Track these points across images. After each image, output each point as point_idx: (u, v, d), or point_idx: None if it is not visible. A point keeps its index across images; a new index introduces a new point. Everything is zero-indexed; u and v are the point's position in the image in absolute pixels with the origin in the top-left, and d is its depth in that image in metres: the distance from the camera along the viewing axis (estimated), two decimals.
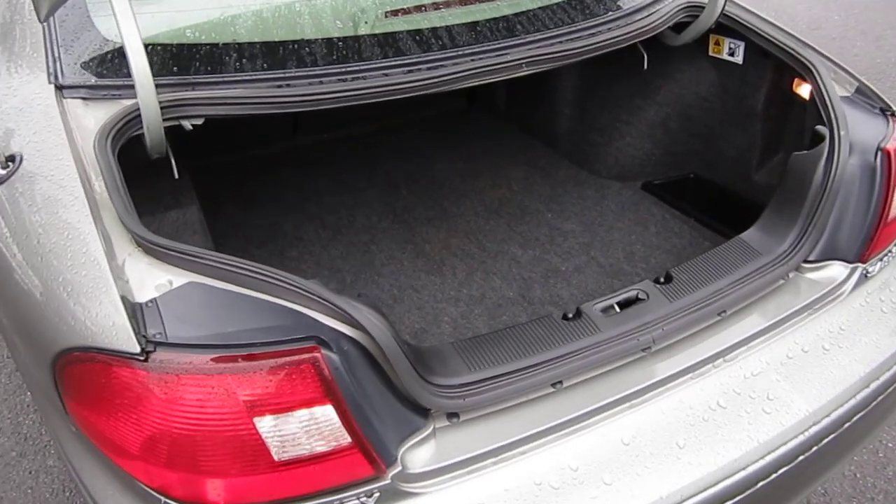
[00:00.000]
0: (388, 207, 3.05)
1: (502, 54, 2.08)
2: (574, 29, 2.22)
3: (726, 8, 2.47)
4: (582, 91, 3.23)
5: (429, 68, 2.00)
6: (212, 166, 3.31)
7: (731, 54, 2.70)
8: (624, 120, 3.07)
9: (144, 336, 1.37)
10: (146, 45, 2.00)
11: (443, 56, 2.03)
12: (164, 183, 2.43)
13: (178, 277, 1.50)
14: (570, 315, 1.84)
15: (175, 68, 1.94)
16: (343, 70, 1.96)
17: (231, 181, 3.24)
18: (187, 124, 1.92)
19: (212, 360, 1.36)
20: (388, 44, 2.02)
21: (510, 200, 3.07)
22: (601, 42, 2.22)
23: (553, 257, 2.73)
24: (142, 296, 1.46)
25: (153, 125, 1.79)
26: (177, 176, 2.19)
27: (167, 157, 2.88)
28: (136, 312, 1.41)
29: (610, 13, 2.33)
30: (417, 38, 2.05)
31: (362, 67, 1.97)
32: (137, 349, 1.35)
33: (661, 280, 1.95)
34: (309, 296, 1.44)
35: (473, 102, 3.93)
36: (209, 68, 1.94)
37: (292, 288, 1.45)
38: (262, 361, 1.37)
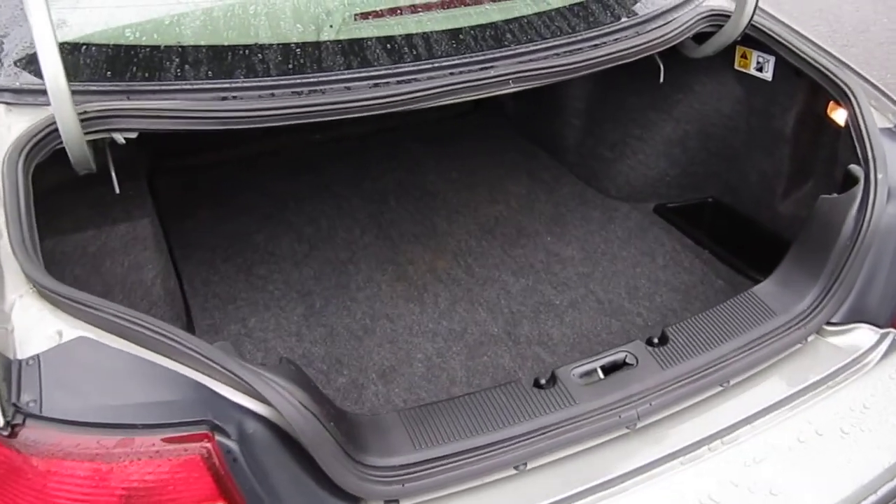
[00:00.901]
0: (372, 220, 2.80)
1: (486, 68, 1.81)
2: (574, 40, 1.94)
3: (755, 18, 2.17)
4: (593, 100, 2.93)
5: (399, 82, 1.74)
6: (187, 166, 3.09)
7: (760, 69, 2.39)
8: (637, 135, 2.78)
9: (15, 405, 1.15)
10: (79, 45, 1.78)
11: (416, 69, 1.76)
12: (116, 194, 2.21)
13: (70, 329, 1.27)
14: (543, 381, 1.58)
15: (109, 73, 1.70)
16: (298, 82, 1.71)
17: (206, 183, 3.01)
18: (119, 138, 1.69)
19: (87, 442, 1.13)
20: (353, 52, 1.76)
21: (507, 219, 2.80)
22: (605, 56, 1.93)
23: (547, 288, 2.46)
24: (24, 350, 1.24)
25: (73, 139, 1.55)
26: (118, 191, 1.96)
27: (127, 164, 2.66)
28: (11, 372, 1.19)
29: (617, 22, 2.04)
30: (389, 46, 1.79)
31: (321, 79, 1.72)
32: (1, 422, 1.13)
33: (655, 341, 1.68)
34: (211, 364, 1.20)
35: (479, 105, 3.65)
36: (147, 75, 1.70)
37: (193, 353, 1.21)
38: (144, 448, 1.13)
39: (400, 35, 1.79)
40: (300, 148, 3.26)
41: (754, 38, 2.24)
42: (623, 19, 2.06)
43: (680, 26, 2.10)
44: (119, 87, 1.66)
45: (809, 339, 1.75)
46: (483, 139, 3.34)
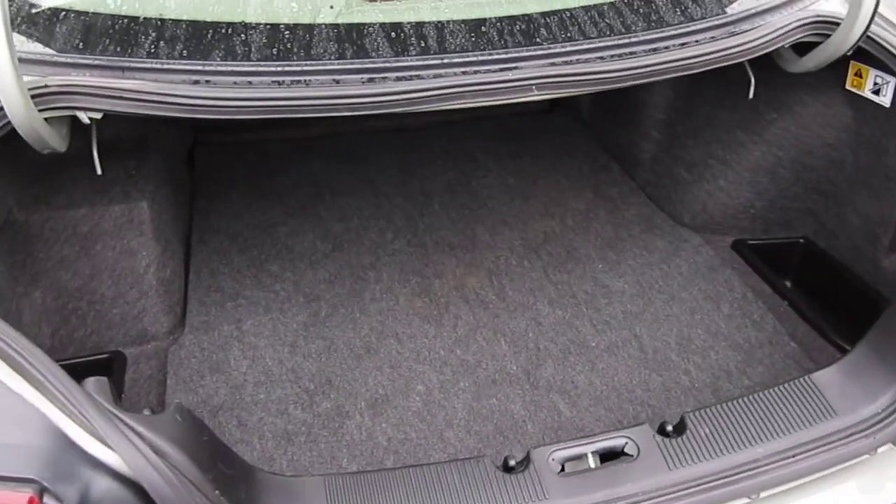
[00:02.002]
0: (409, 223, 2.55)
1: (507, 69, 1.50)
2: (626, 42, 1.60)
3: (873, 28, 1.74)
4: (675, 112, 2.55)
5: (398, 79, 1.48)
6: (230, 142, 2.95)
7: (876, 92, 1.95)
8: (720, 157, 2.37)
9: None
10: (56, 12, 1.62)
11: (421, 64, 1.49)
12: (119, 170, 2.07)
13: None
14: (514, 463, 1.28)
15: (80, 45, 1.52)
16: (280, 70, 1.47)
17: (246, 162, 2.85)
18: (83, 117, 1.52)
19: None
20: (349, 40, 1.50)
21: (558, 238, 2.48)
22: (662, 65, 1.59)
23: (585, 325, 2.13)
24: None
25: (19, 116, 1.39)
26: (99, 172, 1.81)
27: (143, 140, 2.53)
28: None
29: (688, 24, 1.67)
30: (393, 35, 1.52)
31: (307, 69, 1.47)
32: None
33: (669, 429, 1.34)
34: (64, 403, 0.99)
35: (556, 104, 3.31)
36: (119, 49, 1.51)
37: (52, 387, 1.01)
38: None
39: (409, 23, 1.52)
40: (352, 135, 3.05)
41: (871, 54, 1.82)
42: (697, 21, 1.69)
43: (770, 34, 1.71)
44: (85, 61, 1.48)
45: (880, 450, 1.36)
46: (553, 143, 3.01)
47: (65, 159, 1.89)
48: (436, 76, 1.47)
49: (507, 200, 2.66)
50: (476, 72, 1.49)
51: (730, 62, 1.67)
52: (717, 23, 1.69)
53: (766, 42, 1.71)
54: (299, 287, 2.24)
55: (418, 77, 1.46)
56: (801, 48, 1.89)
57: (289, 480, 1.25)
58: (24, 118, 1.39)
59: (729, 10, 1.78)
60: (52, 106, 1.46)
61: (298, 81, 1.45)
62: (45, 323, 1.95)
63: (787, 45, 1.81)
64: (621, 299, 2.22)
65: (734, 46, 1.66)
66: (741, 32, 1.69)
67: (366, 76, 1.46)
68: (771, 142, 2.23)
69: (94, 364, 1.97)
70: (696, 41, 1.64)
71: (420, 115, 3.13)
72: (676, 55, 1.61)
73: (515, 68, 1.50)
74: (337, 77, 1.46)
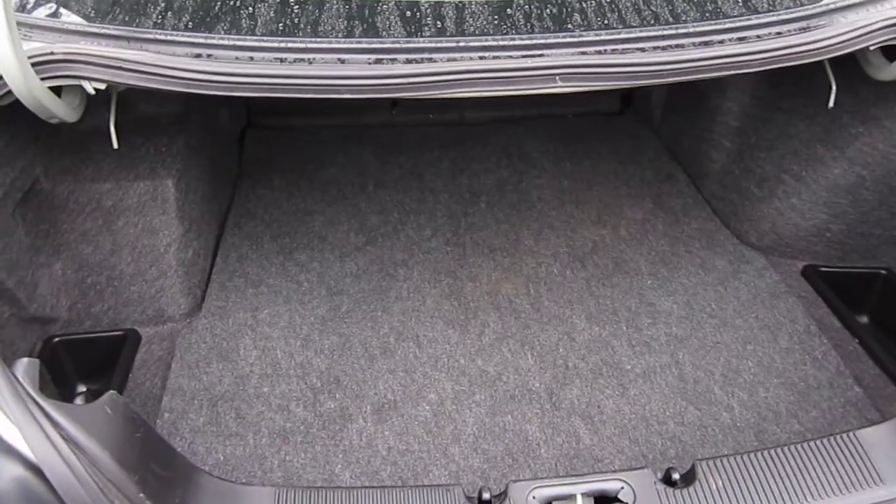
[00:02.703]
0: (451, 222, 2.42)
1: (530, 55, 1.35)
2: (673, 33, 1.42)
3: None
4: (749, 119, 2.31)
5: (408, 61, 1.35)
6: (282, 126, 2.91)
7: None
8: (795, 172, 2.13)
9: None
10: None
11: (434, 46, 1.36)
12: (150, 146, 2.04)
13: None
14: (489, 497, 1.14)
15: (90, 12, 1.48)
16: (284, 46, 1.38)
17: (296, 148, 2.80)
18: (88, 87, 1.47)
19: None
20: (359, 17, 1.39)
21: (607, 248, 2.29)
22: (713, 61, 1.40)
23: (623, 345, 1.95)
24: None
25: (16, 82, 1.35)
26: (115, 146, 1.77)
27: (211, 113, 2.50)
28: None
29: (749, 16, 1.47)
30: (408, 13, 1.39)
31: (311, 46, 1.37)
32: None
33: (675, 477, 1.16)
34: None
35: (629, 105, 3.11)
36: (127, 19, 1.46)
37: None
38: None
39: (426, 1, 1.39)
40: (408, 126, 2.95)
41: None
42: (762, 13, 1.49)
43: (849, 33, 1.49)
44: (93, 30, 1.44)
45: None
46: (618, 148, 2.81)
47: (98, 133, 1.87)
48: (449, 60, 1.34)
49: (557, 204, 2.49)
50: (495, 57, 1.34)
51: (797, 62, 1.46)
52: (785, 17, 1.48)
53: (845, 42, 1.48)
54: (324, 279, 2.16)
55: (430, 60, 1.34)
56: (891, 52, 1.65)
57: (235, 488, 1.15)
58: (23, 85, 1.35)
59: (803, 4, 1.56)
60: (57, 74, 1.42)
61: (302, 59, 1.36)
62: (64, 295, 1.95)
63: (873, 48, 1.57)
64: (667, 320, 2.02)
65: (804, 45, 1.44)
66: (814, 29, 1.48)
67: (373, 57, 1.35)
68: (854, 159, 1.97)
69: (107, 340, 1.95)
70: (758, 36, 1.44)
71: (480, 110, 3.01)
72: (732, 50, 1.41)
73: (540, 56, 1.34)
74: (342, 56, 1.35)
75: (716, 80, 2.42)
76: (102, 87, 1.46)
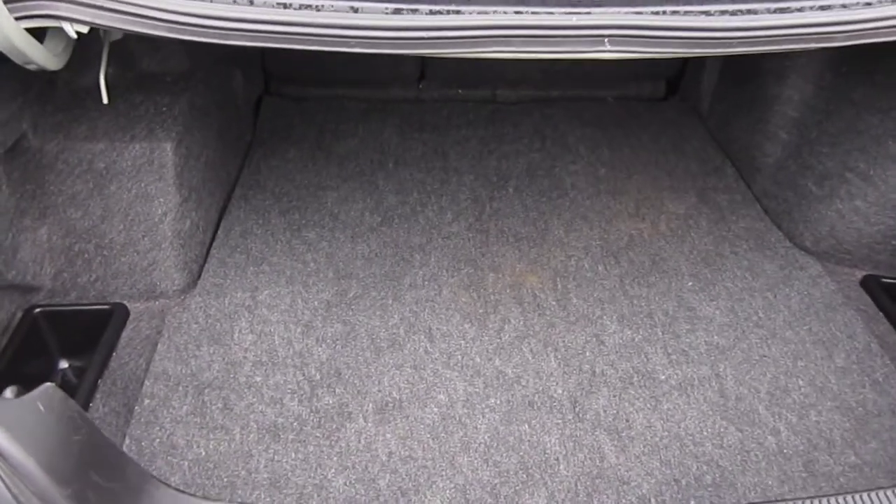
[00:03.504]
0: (475, 205, 2.23)
1: (575, 12, 1.15)
2: None
3: None
4: (811, 110, 2.08)
5: (432, 12, 1.16)
6: (302, 98, 2.73)
7: None
8: (861, 171, 1.90)
9: None
10: None
11: None
12: (150, 105, 1.87)
13: None
14: None
15: None
16: None
17: (314, 121, 2.62)
18: (69, 29, 1.30)
19: None
20: None
21: (645, 243, 2.09)
22: (783, 30, 1.19)
23: (657, 352, 1.75)
24: None
25: None
26: (105, 101, 1.60)
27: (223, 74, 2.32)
28: None
29: None
30: None
31: None
32: None
33: None
34: None
35: (675, 90, 2.88)
36: None
37: None
38: None
39: None
40: (437, 102, 2.76)
41: None
42: None
43: None
44: None
45: None
46: (662, 135, 2.59)
47: (97, 88, 1.71)
48: (480, 13, 1.14)
49: (592, 193, 2.29)
50: (534, 12, 1.14)
51: (887, 38, 1.24)
52: None
53: None
54: (332, 260, 1.98)
55: (457, 12, 1.14)
56: None
57: (194, 503, 0.98)
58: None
59: None
60: (33, 14, 1.25)
61: (308, 6, 1.17)
62: (49, 262, 1.79)
63: None
64: (708, 328, 1.82)
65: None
66: None
67: (391, 6, 1.16)
68: None
69: (92, 314, 1.79)
70: (843, 4, 1.22)
71: (514, 87, 2.81)
72: (812, 19, 1.20)
73: (587, 13, 1.14)
74: (355, 4, 1.16)
75: (775, 66, 2.19)
76: (84, 30, 1.29)
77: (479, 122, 2.65)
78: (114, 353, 1.71)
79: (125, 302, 1.83)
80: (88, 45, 1.79)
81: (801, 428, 1.57)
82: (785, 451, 1.53)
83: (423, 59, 2.73)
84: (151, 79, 1.93)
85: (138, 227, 1.80)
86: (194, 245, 1.91)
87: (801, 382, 1.67)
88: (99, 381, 1.64)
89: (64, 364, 1.80)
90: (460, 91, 2.77)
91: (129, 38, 1.90)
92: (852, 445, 1.53)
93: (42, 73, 1.55)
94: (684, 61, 2.78)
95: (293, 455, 1.49)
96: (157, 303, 1.84)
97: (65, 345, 1.78)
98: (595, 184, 2.33)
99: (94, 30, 1.37)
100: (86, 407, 1.58)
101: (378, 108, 2.71)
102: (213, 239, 2.03)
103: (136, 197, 1.79)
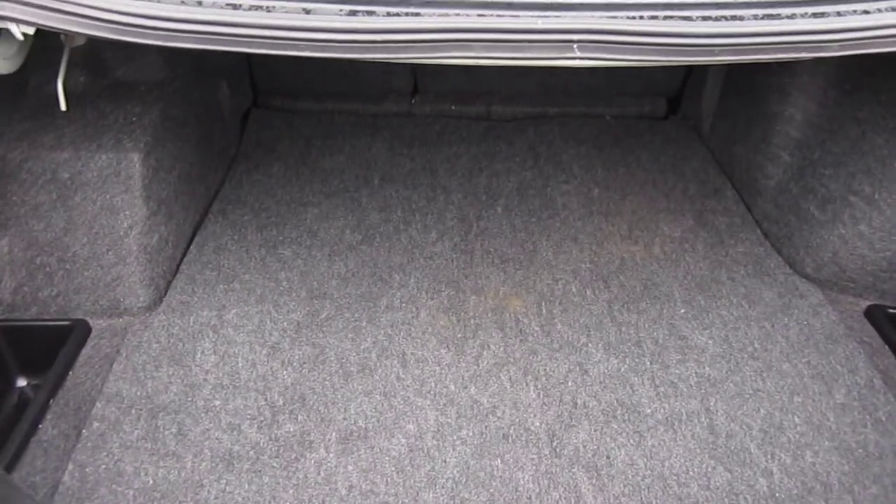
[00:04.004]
0: (461, 225, 2.14)
1: (543, 15, 1.07)
2: (726, 2, 1.12)
3: None
4: (814, 130, 1.98)
5: (389, 14, 1.08)
6: (292, 112, 2.66)
7: None
8: (866, 194, 1.80)
9: None
10: None
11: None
12: (120, 114, 1.81)
13: None
14: None
15: None
16: None
17: (301, 135, 2.55)
18: (16, 31, 1.23)
19: None
20: None
21: (637, 267, 1.99)
22: (770, 37, 1.10)
23: (644, 385, 1.64)
24: None
25: None
26: (63, 108, 1.54)
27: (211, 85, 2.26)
28: None
29: None
30: None
31: None
32: None
33: None
34: None
35: (676, 109, 2.79)
36: None
37: None
38: None
39: None
40: (428, 117, 2.68)
41: None
42: None
43: None
44: None
45: None
46: (661, 156, 2.50)
47: (68, 96, 1.65)
48: (441, 15, 1.06)
49: (584, 214, 2.19)
50: (498, 15, 1.06)
51: (885, 49, 1.15)
52: None
53: None
54: (307, 279, 1.89)
55: (416, 14, 1.06)
56: None
57: None
58: None
59: None
60: None
61: (259, 7, 1.09)
62: (9, 276, 1.72)
63: None
64: (699, 358, 1.71)
65: None
66: None
67: (346, 7, 1.08)
68: None
69: (52, 330, 1.71)
70: (838, 12, 1.13)
71: (509, 104, 2.73)
72: (802, 26, 1.10)
73: (556, 16, 1.06)
74: (308, 5, 1.08)
75: (777, 83, 2.10)
76: (31, 31, 1.22)
77: (472, 138, 2.57)
78: (70, 372, 1.63)
79: (88, 318, 1.75)
80: (60, 52, 1.74)
81: (795, 470, 1.45)
82: (777, 494, 1.41)
83: (415, 74, 2.66)
84: (125, 87, 1.87)
85: (103, 241, 1.73)
86: (162, 260, 1.83)
87: (796, 420, 1.55)
88: (51, 401, 1.56)
89: (22, 382, 1.72)
90: (453, 107, 2.69)
91: (102, 45, 1.85)
92: (851, 490, 1.41)
93: (8, 80, 1.49)
94: (685, 78, 2.69)
95: (246, 486, 1.40)
96: (120, 320, 1.76)
97: (23, 362, 1.70)
98: (588, 204, 2.23)
99: (57, 35, 1.31)
100: (35, 428, 1.50)
101: (368, 122, 2.64)
102: (184, 254, 1.95)
103: (101, 209, 1.72)
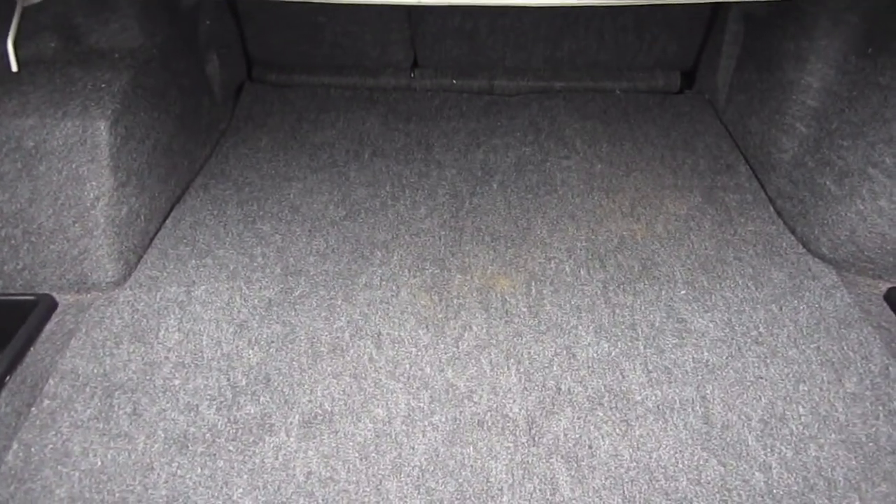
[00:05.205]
0: (452, 201, 2.03)
1: None
2: None
3: None
4: (832, 98, 1.82)
5: None
6: (286, 86, 2.57)
7: None
8: (887, 167, 1.64)
9: None
10: None
11: None
12: (89, 80, 1.73)
13: None
14: None
15: None
16: None
17: (294, 109, 2.46)
18: None
19: None
20: None
21: (637, 246, 1.86)
22: None
23: (636, 370, 1.52)
24: None
25: None
26: (14, 69, 1.46)
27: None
28: None
29: None
30: None
31: None
32: None
33: None
34: None
35: (692, 84, 2.63)
36: None
37: None
38: None
39: None
40: (428, 91, 2.57)
41: None
42: None
43: None
44: None
45: None
46: (671, 130, 2.35)
47: (36, 62, 1.58)
48: None
49: (584, 191, 2.07)
50: None
51: None
52: None
53: None
54: (283, 255, 1.80)
55: None
56: None
57: None
58: None
59: None
60: None
61: None
62: None
63: None
64: (698, 343, 1.58)
65: None
66: None
67: None
68: None
69: (15, 305, 1.65)
70: None
71: (513, 77, 2.60)
72: None
73: None
74: None
75: (793, 49, 1.94)
76: None
77: (472, 113, 2.45)
78: (32, 348, 1.56)
79: (54, 293, 1.68)
80: (32, 17, 1.67)
81: (796, 464, 1.32)
82: (775, 491, 1.28)
83: (415, 46, 2.54)
84: (97, 55, 1.79)
85: (69, 213, 1.66)
86: (133, 234, 1.76)
87: (801, 410, 1.42)
88: (8, 377, 1.49)
89: None
90: (455, 81, 2.58)
91: (75, 9, 1.77)
92: (857, 488, 1.27)
93: None
94: (700, 50, 2.53)
95: (199, 470, 1.32)
96: (88, 295, 1.69)
97: None
98: (588, 180, 2.10)
99: None
100: None
101: (365, 96, 2.54)
102: (159, 228, 1.88)
103: (66, 179, 1.65)
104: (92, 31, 1.81)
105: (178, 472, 1.31)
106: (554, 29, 2.48)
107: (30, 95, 1.67)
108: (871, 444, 1.35)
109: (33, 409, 1.40)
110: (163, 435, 1.37)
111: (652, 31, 2.46)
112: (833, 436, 1.36)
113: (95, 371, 1.48)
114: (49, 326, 1.62)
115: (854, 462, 1.32)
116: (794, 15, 1.96)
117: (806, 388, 1.46)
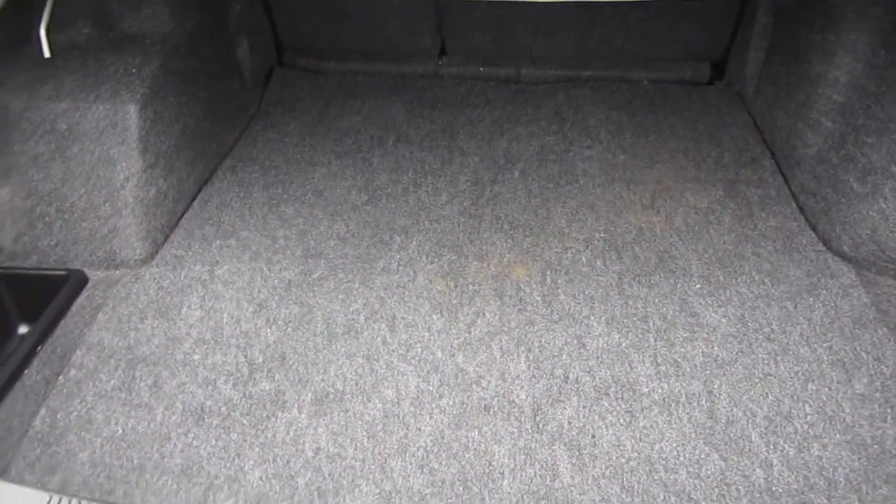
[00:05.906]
0: (473, 188, 2.06)
1: None
2: None
3: None
4: (858, 92, 1.80)
5: None
6: (316, 72, 2.62)
7: None
8: None
9: None
10: None
11: None
12: (121, 65, 1.79)
13: None
14: None
15: None
16: None
17: (322, 95, 2.50)
18: None
19: None
20: None
21: (655, 239, 1.86)
22: None
23: (644, 362, 1.53)
24: None
25: None
26: (47, 54, 1.52)
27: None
28: None
29: None
30: None
31: None
32: None
33: None
34: None
35: (722, 75, 2.60)
36: None
37: None
38: None
39: None
40: (455, 79, 2.59)
41: None
42: None
43: None
44: None
45: None
46: (698, 122, 2.34)
47: (72, 47, 1.65)
48: None
49: (605, 181, 2.07)
50: None
51: None
52: None
53: None
54: (304, 238, 1.85)
55: None
56: None
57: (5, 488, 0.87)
58: None
59: None
60: None
61: None
62: (10, 224, 1.74)
63: None
64: (709, 337, 1.58)
65: None
66: None
67: None
68: None
69: (49, 279, 1.73)
70: None
71: (540, 66, 2.60)
72: None
73: None
74: None
75: (820, 41, 1.91)
76: None
77: (498, 101, 2.46)
78: (63, 321, 1.64)
79: (85, 269, 1.76)
80: (67, 5, 1.73)
81: (798, 462, 1.33)
82: (774, 488, 1.29)
83: (442, 33, 2.56)
84: (129, 40, 1.85)
85: (100, 192, 1.73)
86: (161, 214, 1.82)
87: (807, 409, 1.42)
88: (39, 347, 1.57)
89: (24, 329, 1.75)
90: (482, 69, 2.59)
91: None
92: (858, 489, 1.28)
93: (9, 29, 1.49)
94: (730, 40, 2.50)
95: (213, 442, 1.37)
96: (117, 272, 1.76)
97: (24, 309, 1.73)
98: (610, 171, 2.11)
99: None
100: (20, 374, 1.51)
101: (391, 83, 2.56)
102: (186, 209, 1.94)
103: (98, 160, 1.71)
104: (124, 18, 1.87)
105: (194, 442, 1.37)
106: (582, 18, 2.47)
107: (64, 80, 1.73)
108: (876, 446, 1.34)
109: (61, 377, 1.47)
110: (181, 407, 1.43)
111: (680, 22, 2.44)
112: (838, 436, 1.36)
113: (120, 344, 1.55)
114: (79, 301, 1.69)
115: (857, 463, 1.32)
116: (821, 8, 1.92)
117: (814, 387, 1.46)
